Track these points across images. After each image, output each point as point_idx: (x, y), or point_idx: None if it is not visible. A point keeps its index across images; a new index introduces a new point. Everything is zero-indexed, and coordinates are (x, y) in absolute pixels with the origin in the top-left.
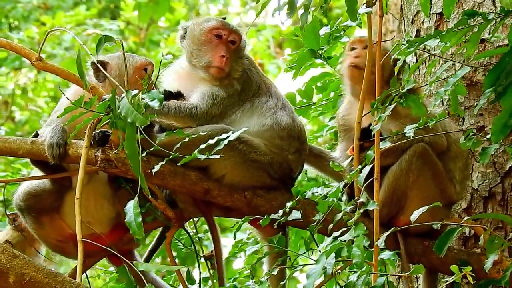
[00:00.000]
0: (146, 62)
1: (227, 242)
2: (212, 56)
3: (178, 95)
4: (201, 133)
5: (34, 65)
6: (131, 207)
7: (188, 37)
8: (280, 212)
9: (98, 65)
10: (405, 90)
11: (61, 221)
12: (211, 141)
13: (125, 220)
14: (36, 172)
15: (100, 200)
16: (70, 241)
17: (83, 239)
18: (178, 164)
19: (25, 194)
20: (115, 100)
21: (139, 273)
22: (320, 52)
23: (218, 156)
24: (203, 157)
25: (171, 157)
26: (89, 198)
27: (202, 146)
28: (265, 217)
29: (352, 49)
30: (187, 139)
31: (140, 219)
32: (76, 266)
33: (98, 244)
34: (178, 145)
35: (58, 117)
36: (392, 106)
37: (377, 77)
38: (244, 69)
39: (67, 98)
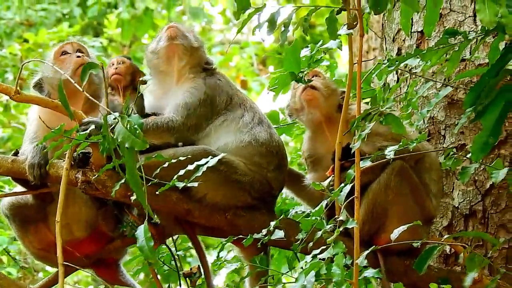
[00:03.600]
0: (62, 45)
1: (209, 259)
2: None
3: (154, 115)
4: (181, 158)
5: (13, 99)
6: (141, 231)
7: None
8: (264, 231)
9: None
10: (385, 108)
11: (46, 229)
12: (190, 167)
13: (137, 245)
14: (19, 187)
15: (78, 202)
16: (53, 249)
17: (64, 263)
18: (157, 191)
19: (9, 204)
20: (107, 126)
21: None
22: (301, 75)
23: (196, 184)
24: (181, 185)
25: (150, 184)
26: (67, 201)
27: (182, 172)
28: (248, 237)
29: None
30: (167, 164)
31: (152, 243)
32: (49, 278)
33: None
34: (157, 171)
35: (37, 144)
36: (372, 124)
37: (357, 96)
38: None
39: (42, 121)
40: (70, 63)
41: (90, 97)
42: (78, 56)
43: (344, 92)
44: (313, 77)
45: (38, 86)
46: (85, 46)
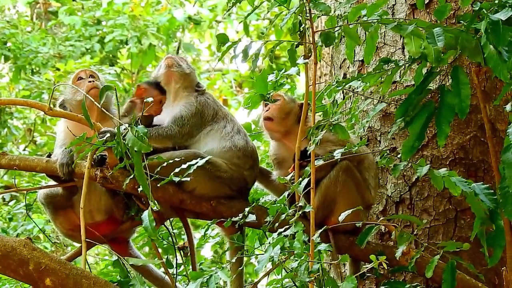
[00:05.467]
0: (78, 72)
1: (198, 236)
2: None
3: (157, 126)
4: (176, 159)
5: (47, 114)
6: (146, 215)
7: None
8: (240, 215)
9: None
10: (333, 120)
11: (73, 214)
12: (184, 166)
13: (143, 226)
14: (52, 181)
15: (99, 193)
16: (78, 229)
17: (86, 239)
18: (158, 184)
19: (44, 194)
20: (120, 135)
21: (127, 263)
22: (268, 96)
23: (188, 179)
24: (176, 179)
25: (152, 179)
26: (90, 192)
27: (177, 170)
28: (228, 220)
29: (265, 105)
30: (165, 164)
31: (154, 224)
32: (75, 251)
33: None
34: (158, 169)
35: (65, 148)
36: (323, 132)
37: (312, 111)
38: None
39: (69, 130)
40: (83, 87)
41: (105, 111)
42: (90, 81)
43: (302, 104)
44: (274, 101)
45: (62, 105)
46: (96, 72)
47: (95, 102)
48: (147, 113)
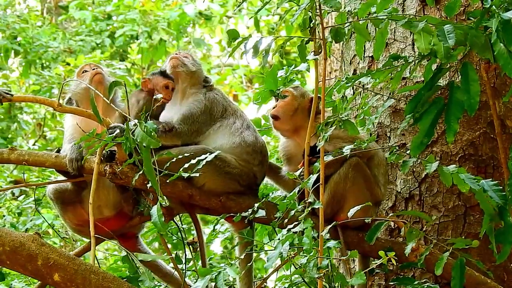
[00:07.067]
0: (82, 66)
1: (208, 231)
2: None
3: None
4: (185, 154)
5: (56, 110)
6: (155, 210)
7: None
8: (249, 211)
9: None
10: (343, 116)
11: (81, 209)
12: (193, 161)
13: (151, 221)
14: (61, 177)
15: (107, 188)
16: (87, 225)
17: (95, 235)
18: (167, 180)
19: (53, 190)
20: (129, 130)
21: (136, 259)
22: (277, 91)
23: (197, 174)
24: (186, 175)
25: (161, 174)
26: (99, 187)
27: (186, 165)
28: (237, 215)
29: (276, 100)
30: (174, 159)
31: (163, 219)
32: (83, 246)
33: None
34: (167, 164)
35: (74, 144)
36: (333, 128)
37: (322, 107)
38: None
39: (79, 126)
40: (87, 76)
41: (108, 102)
42: (94, 69)
43: (313, 98)
44: (283, 96)
45: (69, 102)
46: (101, 66)
47: (96, 91)
48: (160, 102)
